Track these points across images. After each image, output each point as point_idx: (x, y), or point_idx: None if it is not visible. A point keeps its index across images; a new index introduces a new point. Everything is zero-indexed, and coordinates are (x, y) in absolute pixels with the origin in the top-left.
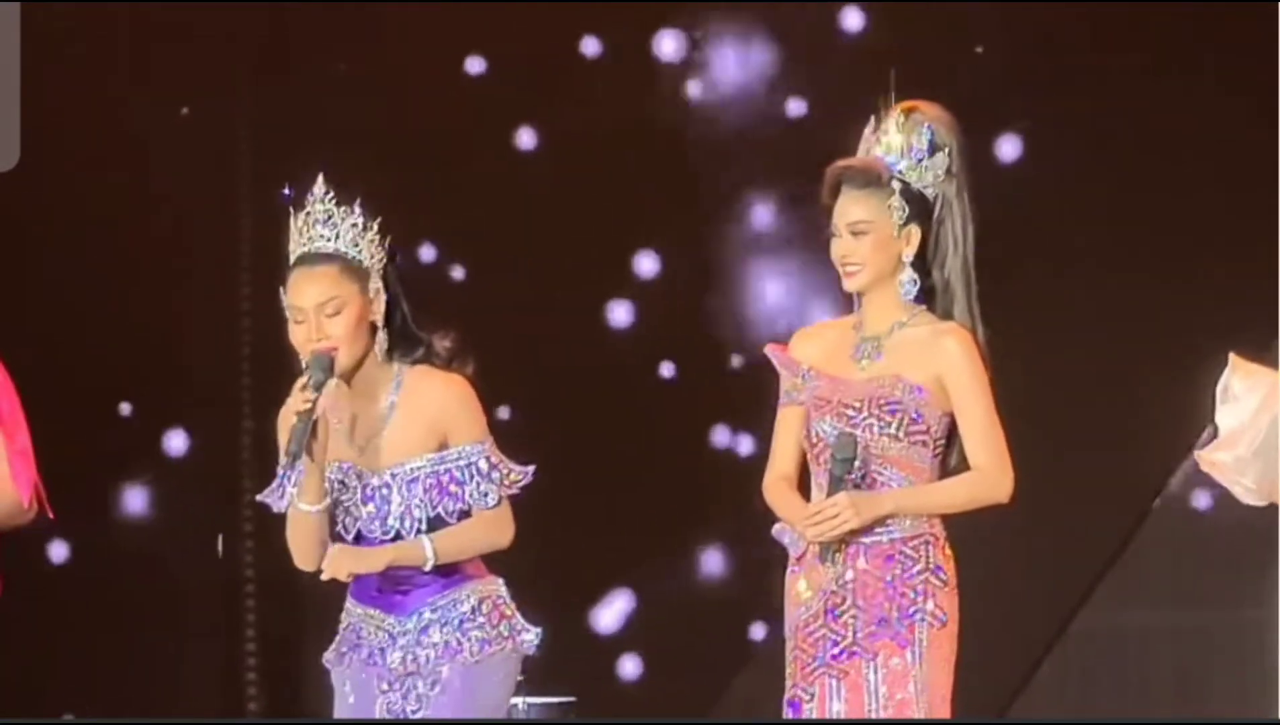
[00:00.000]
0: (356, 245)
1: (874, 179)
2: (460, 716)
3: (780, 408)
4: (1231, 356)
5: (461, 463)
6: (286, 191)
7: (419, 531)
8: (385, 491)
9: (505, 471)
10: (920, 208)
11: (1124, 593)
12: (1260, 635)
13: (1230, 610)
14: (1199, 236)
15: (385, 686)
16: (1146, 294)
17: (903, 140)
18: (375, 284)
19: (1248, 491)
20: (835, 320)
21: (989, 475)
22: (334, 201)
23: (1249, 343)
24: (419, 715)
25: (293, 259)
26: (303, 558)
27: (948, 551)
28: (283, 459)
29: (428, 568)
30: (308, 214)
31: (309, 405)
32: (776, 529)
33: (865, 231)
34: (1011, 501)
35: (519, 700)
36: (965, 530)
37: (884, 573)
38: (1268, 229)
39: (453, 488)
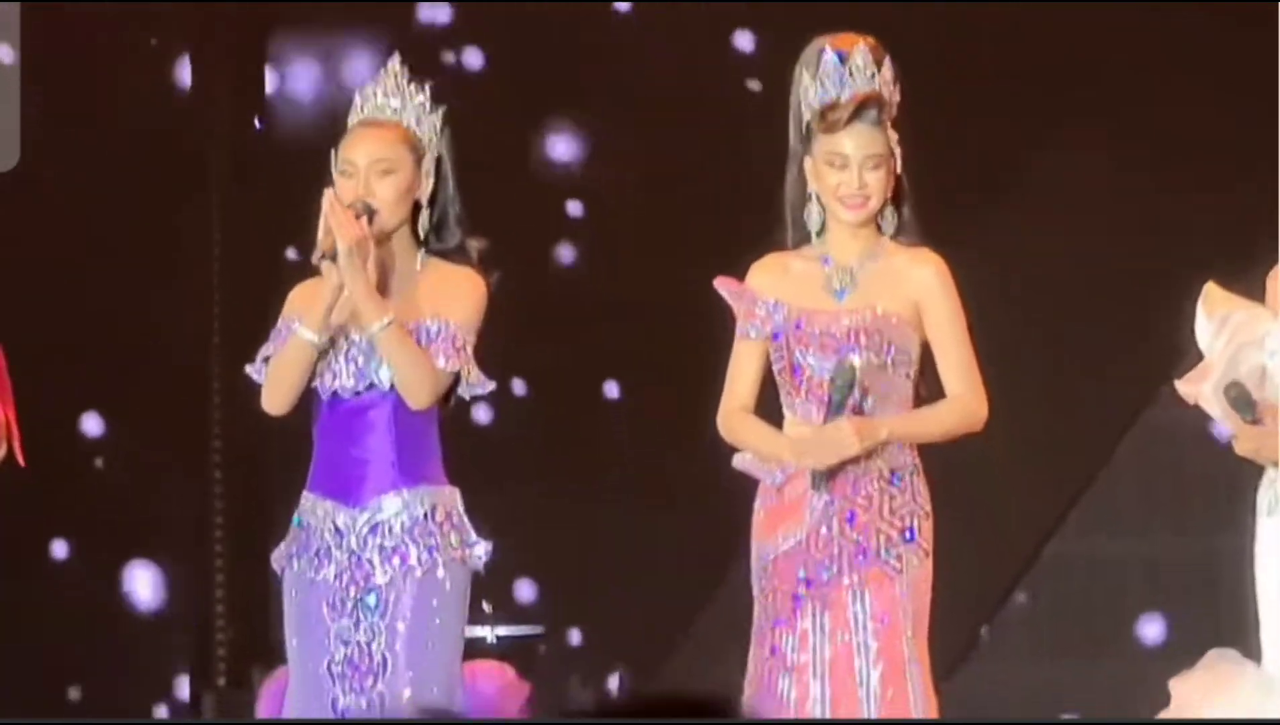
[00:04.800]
0: (419, 121)
1: (883, 112)
2: (411, 632)
3: (738, 341)
4: (1207, 286)
5: (438, 330)
6: (258, 124)
7: (392, 385)
8: (368, 348)
9: (470, 368)
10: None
11: (1097, 519)
12: (1235, 561)
13: (1204, 536)
14: (1177, 160)
15: (334, 611)
16: (1122, 219)
17: (879, 73)
18: (428, 164)
19: (1221, 422)
20: (790, 252)
21: (967, 403)
22: (405, 77)
23: (1225, 269)
24: (374, 646)
25: (351, 124)
26: (281, 394)
27: (926, 481)
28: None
29: (378, 326)
30: (377, 84)
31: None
32: (741, 460)
33: (880, 165)
34: (984, 429)
35: (487, 631)
36: (936, 458)
37: (872, 502)
38: (1252, 153)
39: (424, 342)
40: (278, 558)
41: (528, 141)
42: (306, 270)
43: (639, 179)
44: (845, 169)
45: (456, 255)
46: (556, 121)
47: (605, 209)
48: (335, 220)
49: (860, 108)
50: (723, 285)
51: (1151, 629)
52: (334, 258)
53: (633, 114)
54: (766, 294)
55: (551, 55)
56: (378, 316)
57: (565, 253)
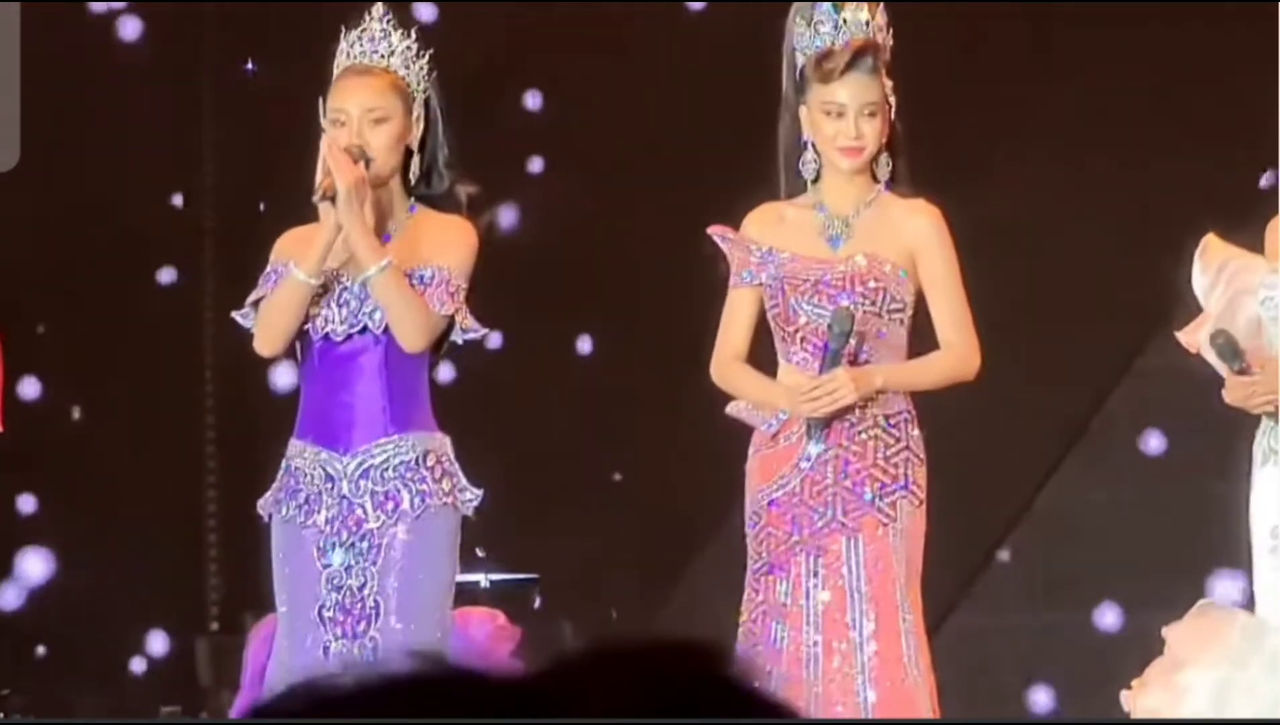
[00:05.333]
0: (407, 67)
1: (878, 60)
2: (403, 577)
3: (732, 289)
4: (1206, 237)
5: (432, 275)
6: (249, 66)
7: (386, 328)
8: (361, 292)
9: (464, 313)
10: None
11: (1089, 470)
12: (1226, 509)
13: (1196, 485)
14: (1172, 116)
15: (325, 556)
16: (1117, 170)
17: (874, 20)
18: (418, 110)
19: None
20: (785, 202)
21: (961, 352)
22: (391, 24)
23: (1221, 219)
24: (365, 590)
25: (338, 72)
26: (274, 336)
27: (920, 429)
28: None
29: (375, 268)
30: (363, 30)
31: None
32: (735, 408)
33: (876, 113)
34: (976, 378)
35: (480, 577)
36: (928, 408)
37: (867, 449)
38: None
39: (418, 287)
40: (264, 504)
41: (493, 95)
42: (305, 215)
43: (605, 132)
44: (842, 118)
45: (446, 202)
46: (521, 75)
47: (570, 162)
48: (334, 162)
49: (856, 56)
50: (717, 234)
51: (1142, 581)
52: (332, 199)
53: (601, 66)
54: (761, 242)
55: (510, 10)
56: (375, 259)
57: (538, 204)
